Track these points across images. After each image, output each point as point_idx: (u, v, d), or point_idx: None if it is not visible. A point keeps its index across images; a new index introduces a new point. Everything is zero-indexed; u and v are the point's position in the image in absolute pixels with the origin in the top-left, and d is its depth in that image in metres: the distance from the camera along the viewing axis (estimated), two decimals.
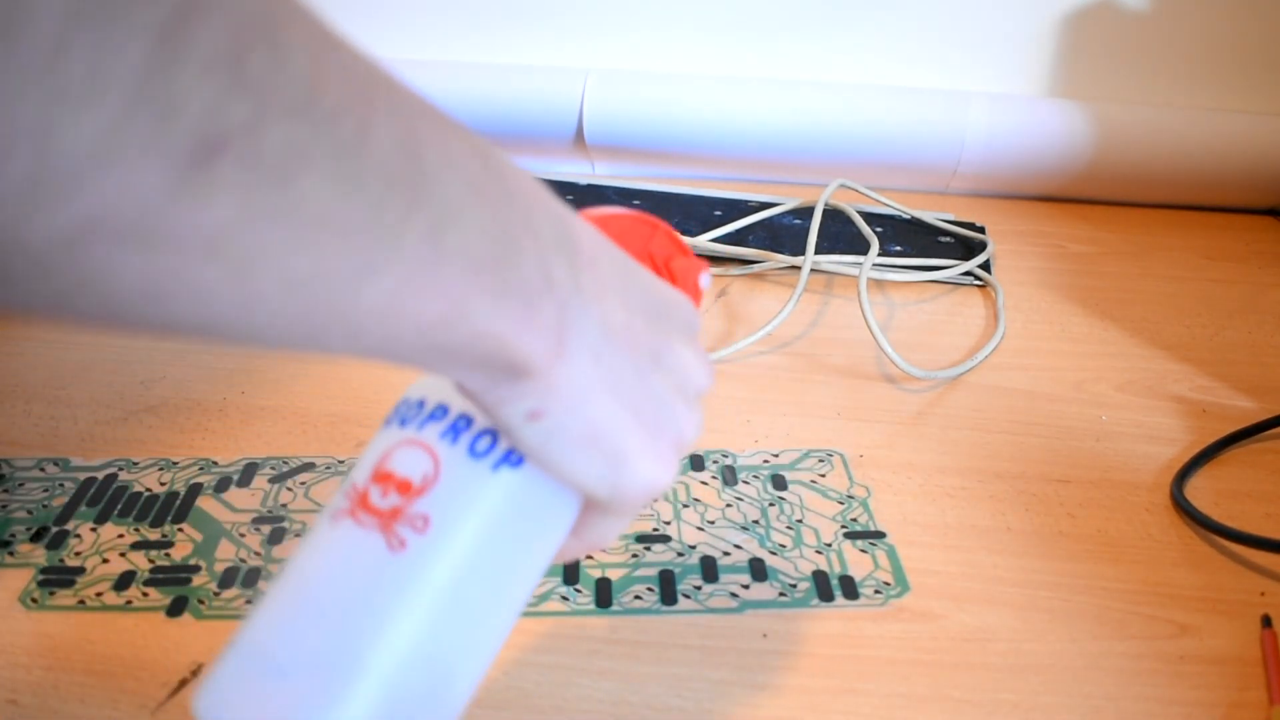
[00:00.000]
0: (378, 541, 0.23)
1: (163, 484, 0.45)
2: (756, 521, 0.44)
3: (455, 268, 0.19)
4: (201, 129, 0.15)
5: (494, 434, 0.24)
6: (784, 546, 0.42)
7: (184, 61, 0.14)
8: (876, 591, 0.40)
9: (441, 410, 0.25)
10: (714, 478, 0.46)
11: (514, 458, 0.24)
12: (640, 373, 0.24)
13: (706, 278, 0.31)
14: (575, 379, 0.23)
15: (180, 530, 0.43)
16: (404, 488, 0.24)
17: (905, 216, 0.74)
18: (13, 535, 0.42)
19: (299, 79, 0.16)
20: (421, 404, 0.25)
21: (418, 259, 0.19)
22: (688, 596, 0.40)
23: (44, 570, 0.40)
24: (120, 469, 0.46)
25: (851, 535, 0.43)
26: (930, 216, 0.74)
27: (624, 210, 0.30)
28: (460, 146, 0.20)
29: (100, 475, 0.46)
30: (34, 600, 0.39)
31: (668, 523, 0.44)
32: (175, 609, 0.39)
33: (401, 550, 0.23)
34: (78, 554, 0.41)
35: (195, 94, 0.15)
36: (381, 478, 0.24)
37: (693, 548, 0.42)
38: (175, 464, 0.47)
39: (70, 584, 0.40)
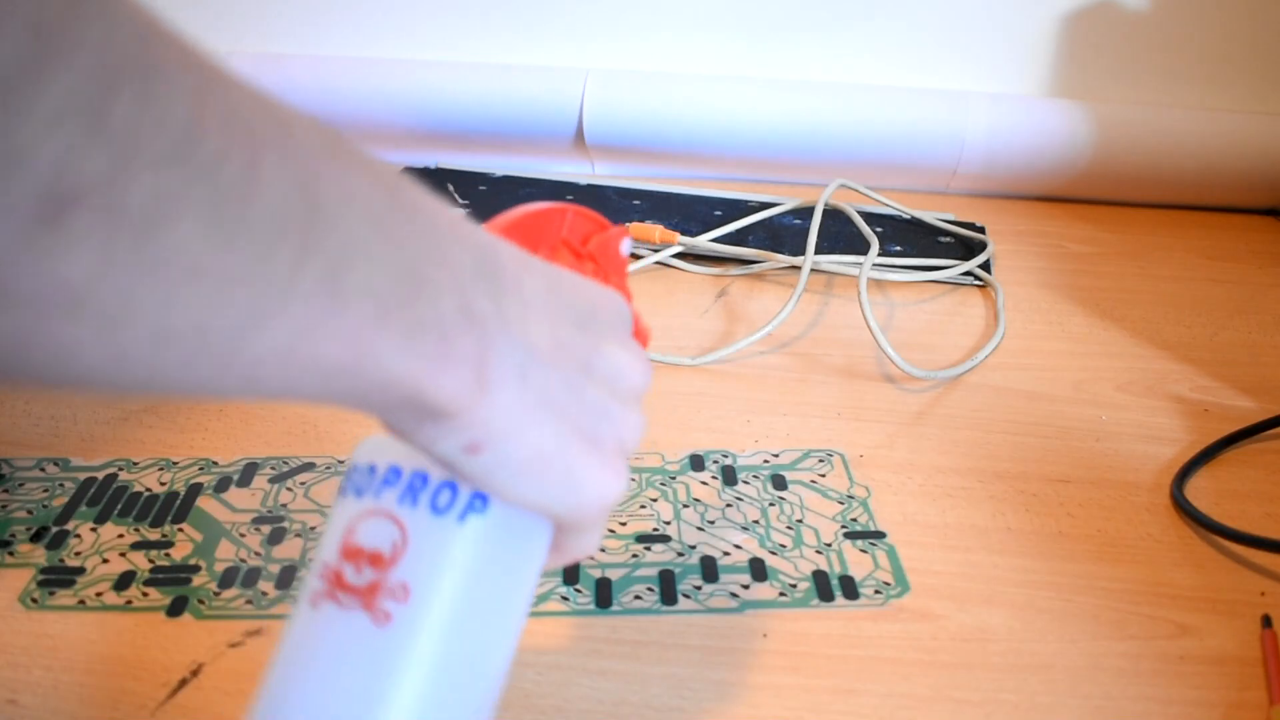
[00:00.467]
0: (362, 620, 0.23)
1: (163, 484, 0.45)
2: (756, 521, 0.44)
3: (358, 311, 0.19)
4: (51, 182, 0.14)
5: (453, 486, 0.24)
6: (784, 546, 0.42)
7: (30, 112, 0.14)
8: (876, 591, 0.40)
9: (395, 473, 0.24)
10: (714, 478, 0.46)
11: (477, 503, 0.24)
12: (573, 386, 0.24)
13: (627, 243, 0.30)
14: (505, 407, 0.22)
15: (180, 530, 0.43)
16: (376, 560, 0.23)
17: (905, 216, 0.74)
18: (13, 535, 0.42)
19: (174, 124, 0.15)
20: (373, 469, 0.25)
21: (314, 305, 0.18)
22: (688, 596, 0.40)
23: (44, 570, 0.40)
24: (120, 469, 0.46)
25: (851, 535, 0.43)
26: (930, 216, 0.74)
27: (528, 207, 0.29)
28: (365, 182, 0.19)
29: (100, 475, 0.46)
30: (34, 600, 0.39)
31: (668, 523, 0.44)
32: (175, 609, 0.39)
33: (388, 624, 0.23)
34: (78, 554, 0.41)
35: (43, 146, 0.14)
36: (352, 554, 0.24)
37: (693, 548, 0.42)
38: (175, 464, 0.47)
39: (70, 584, 0.40)
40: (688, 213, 0.73)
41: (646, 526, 0.43)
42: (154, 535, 0.42)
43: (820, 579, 0.41)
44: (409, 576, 0.23)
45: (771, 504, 0.45)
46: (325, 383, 0.19)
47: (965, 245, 0.71)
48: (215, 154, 0.16)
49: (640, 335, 0.30)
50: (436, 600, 0.23)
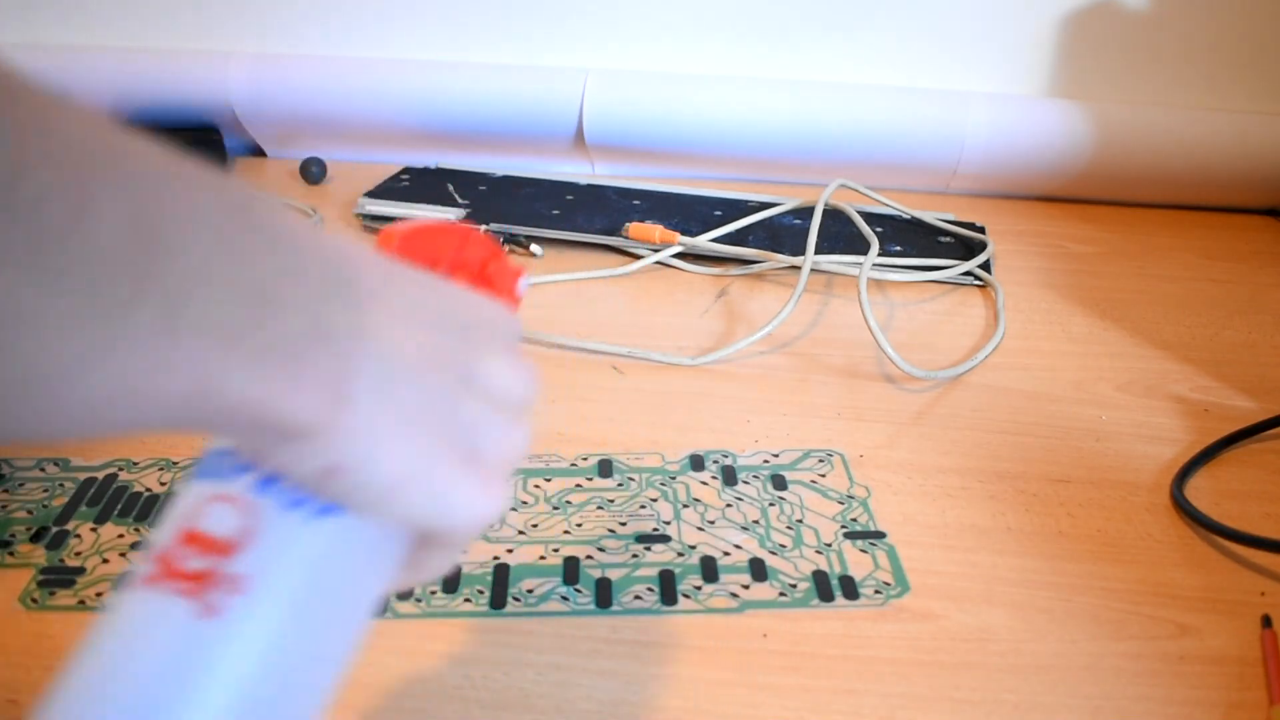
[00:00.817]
0: (188, 609, 0.21)
1: (163, 484, 0.45)
2: (756, 521, 0.44)
3: (200, 340, 0.18)
4: None
5: None
6: (784, 546, 0.42)
7: None
8: (876, 591, 0.40)
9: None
10: (714, 478, 0.46)
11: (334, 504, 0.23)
12: (446, 399, 0.23)
13: (524, 283, 0.29)
14: (366, 424, 0.21)
15: None
16: (216, 547, 0.22)
17: (905, 216, 0.74)
18: (13, 535, 0.42)
19: None
20: (229, 454, 0.23)
21: (151, 339, 0.17)
22: (688, 596, 0.40)
23: (44, 570, 0.40)
24: (120, 469, 0.46)
25: (851, 535, 0.43)
26: (930, 216, 0.74)
27: (431, 220, 0.28)
28: (209, 204, 0.19)
29: (100, 475, 0.46)
30: (34, 600, 0.39)
31: (668, 523, 0.44)
32: None
33: (215, 616, 0.21)
34: (78, 554, 0.41)
35: None
36: (191, 538, 0.22)
37: (693, 548, 0.42)
38: (175, 464, 0.47)
39: (70, 584, 0.40)
40: (688, 213, 0.73)
41: (646, 526, 0.43)
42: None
43: (820, 579, 0.41)
44: (249, 569, 0.21)
45: (771, 504, 0.45)
46: (167, 415, 0.19)
47: (965, 245, 0.71)
48: (36, 195, 0.15)
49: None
50: (274, 598, 0.22)
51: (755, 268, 0.66)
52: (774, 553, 0.42)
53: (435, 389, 0.23)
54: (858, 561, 0.42)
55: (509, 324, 0.26)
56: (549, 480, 0.46)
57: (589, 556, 0.42)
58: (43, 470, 0.46)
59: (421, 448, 0.22)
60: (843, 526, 0.44)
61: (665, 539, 0.43)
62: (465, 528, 0.24)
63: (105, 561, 0.41)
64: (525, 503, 0.45)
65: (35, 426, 0.17)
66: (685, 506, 0.45)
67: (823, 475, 0.47)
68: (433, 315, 0.23)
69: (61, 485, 0.45)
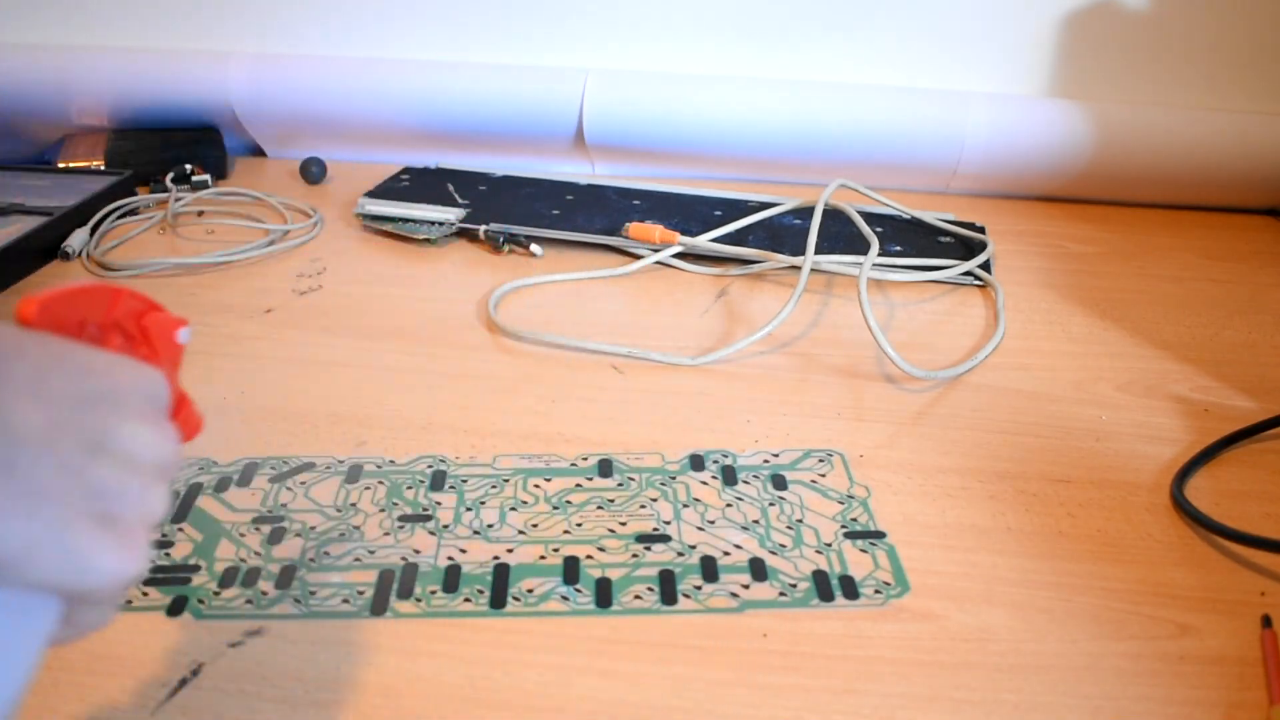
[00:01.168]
0: None
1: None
2: (756, 521, 0.44)
3: None
4: None
5: None
6: (784, 546, 0.42)
7: None
8: (876, 591, 0.40)
9: None
10: (714, 478, 0.46)
11: None
12: (74, 468, 0.23)
13: (184, 332, 0.29)
14: None
15: (180, 530, 0.43)
16: None
17: (905, 216, 0.74)
18: None
19: None
20: None
21: None
22: (688, 596, 0.40)
23: None
24: None
25: (851, 535, 0.43)
26: (930, 216, 0.74)
27: (79, 284, 0.28)
28: None
29: None
30: None
31: (668, 523, 0.44)
32: (175, 609, 0.39)
33: None
34: None
35: None
36: None
37: (693, 548, 0.42)
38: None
39: None
40: (688, 213, 0.73)
41: (646, 526, 0.43)
42: (153, 535, 0.42)
43: (820, 579, 0.41)
44: None
45: (771, 504, 0.45)
46: None
47: (965, 245, 0.71)
48: None
49: (190, 421, 0.29)
50: None
51: (755, 268, 0.66)
52: (774, 552, 0.42)
53: (61, 458, 0.23)
54: (858, 561, 0.42)
55: (147, 386, 0.26)
56: (549, 480, 0.46)
57: (589, 556, 0.42)
58: None
59: (49, 517, 0.23)
60: (843, 526, 0.44)
61: (665, 539, 0.43)
62: (105, 585, 0.24)
63: None
64: (525, 503, 0.45)
65: None
66: (685, 506, 0.45)
67: (823, 475, 0.47)
68: (60, 385, 0.24)
69: None
